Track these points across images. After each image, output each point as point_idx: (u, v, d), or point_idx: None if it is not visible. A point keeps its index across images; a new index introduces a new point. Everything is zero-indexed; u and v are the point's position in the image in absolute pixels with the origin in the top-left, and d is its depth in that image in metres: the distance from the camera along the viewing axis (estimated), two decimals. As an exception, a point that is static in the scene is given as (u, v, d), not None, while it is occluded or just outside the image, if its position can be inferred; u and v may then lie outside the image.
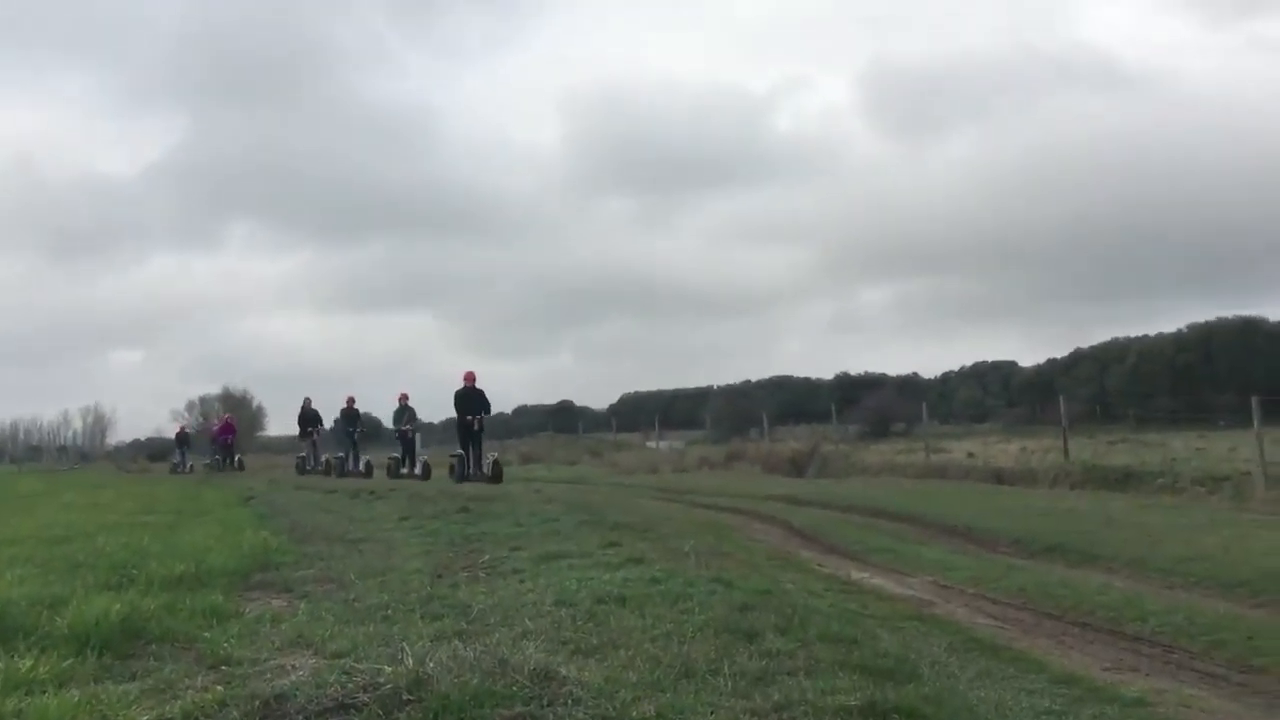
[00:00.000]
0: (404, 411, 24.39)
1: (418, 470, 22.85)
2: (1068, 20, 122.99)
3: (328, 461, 26.66)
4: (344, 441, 26.79)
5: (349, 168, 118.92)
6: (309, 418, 28.31)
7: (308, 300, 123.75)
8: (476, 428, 20.19)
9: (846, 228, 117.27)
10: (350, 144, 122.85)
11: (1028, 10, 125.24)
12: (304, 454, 28.49)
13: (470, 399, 20.43)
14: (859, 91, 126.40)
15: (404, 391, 24.81)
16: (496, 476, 19.40)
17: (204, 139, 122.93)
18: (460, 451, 20.45)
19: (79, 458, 68.96)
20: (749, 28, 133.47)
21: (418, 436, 24.60)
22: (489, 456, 20.27)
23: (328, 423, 28.88)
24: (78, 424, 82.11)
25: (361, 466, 25.55)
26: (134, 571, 6.90)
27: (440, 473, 21.62)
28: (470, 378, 20.58)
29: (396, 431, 24.57)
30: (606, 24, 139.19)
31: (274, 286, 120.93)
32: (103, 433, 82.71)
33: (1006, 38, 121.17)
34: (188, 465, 37.96)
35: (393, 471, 23.60)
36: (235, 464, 33.49)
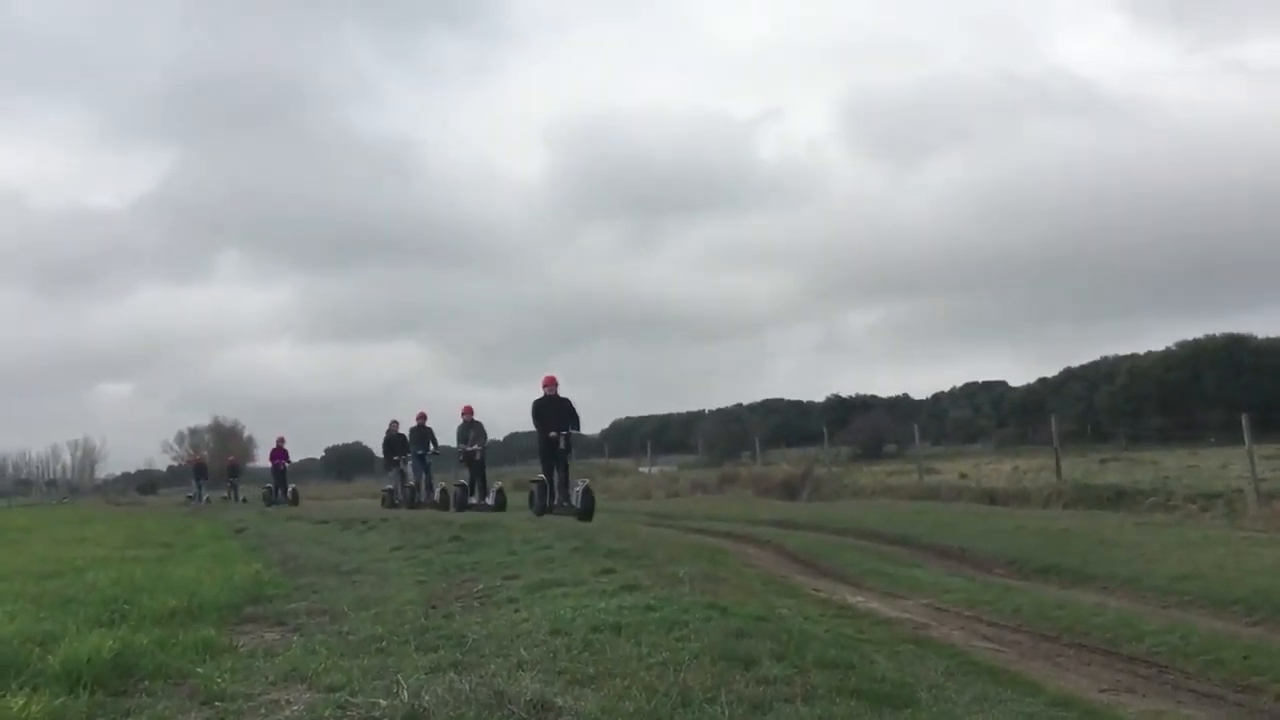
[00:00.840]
0: (470, 428, 20.88)
1: (489, 499, 19.81)
2: (1045, 46, 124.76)
3: (413, 490, 22.91)
4: (415, 467, 23.02)
5: (336, 199, 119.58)
6: (395, 444, 24.17)
7: (296, 330, 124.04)
8: (563, 446, 16.40)
9: (832, 252, 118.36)
10: (337, 175, 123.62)
11: (1004, 37, 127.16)
12: (390, 486, 24.66)
13: (555, 410, 16.50)
14: (841, 118, 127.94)
15: (466, 405, 21.19)
16: (587, 510, 15.62)
17: (192, 172, 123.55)
18: (542, 476, 16.80)
19: (68, 491, 68.69)
20: (732, 58, 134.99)
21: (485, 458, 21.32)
22: (578, 484, 16.32)
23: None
24: (67, 458, 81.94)
25: (436, 495, 22.02)
26: (126, 607, 6.85)
27: (518, 501, 19.62)
28: (550, 383, 16.91)
29: (461, 452, 21.29)
30: (590, 53, 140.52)
31: (262, 317, 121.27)
32: (92, 466, 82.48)
33: (984, 64, 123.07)
34: (204, 498, 35.59)
35: (459, 502, 20.24)
36: (289, 496, 29.31)
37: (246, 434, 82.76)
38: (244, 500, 34.63)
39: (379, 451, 27.28)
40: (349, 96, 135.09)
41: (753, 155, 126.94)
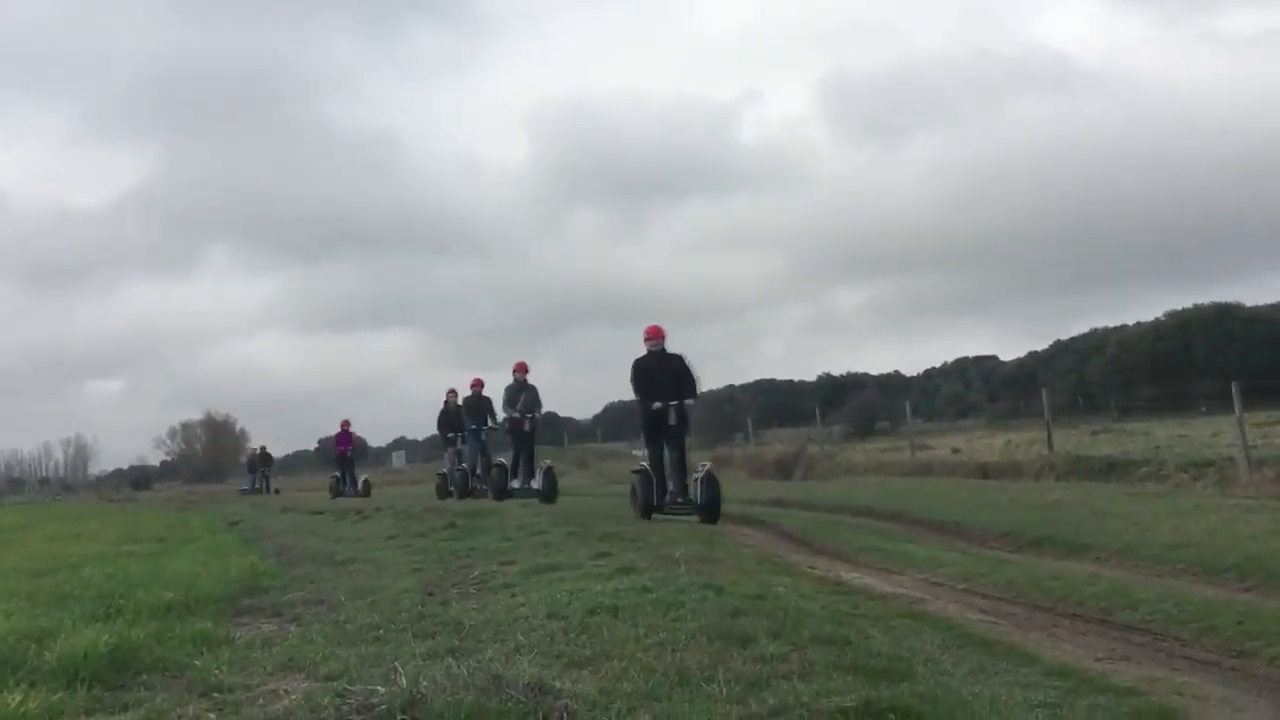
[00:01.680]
0: (521, 390, 17.07)
1: (535, 482, 16.50)
2: (1021, 23, 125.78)
3: (465, 474, 19.25)
4: (470, 446, 19.41)
5: (321, 191, 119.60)
6: (452, 418, 20.29)
7: (286, 323, 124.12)
8: (673, 421, 12.79)
9: (818, 231, 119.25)
10: (320, 168, 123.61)
11: (980, 15, 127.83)
12: (445, 469, 21.15)
13: (662, 371, 12.96)
14: (821, 100, 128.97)
15: (519, 361, 17.53)
16: (711, 506, 12.32)
17: (174, 168, 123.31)
18: (644, 464, 13.23)
19: (61, 489, 68.66)
20: (710, 42, 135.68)
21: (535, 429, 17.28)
22: (699, 468, 12.90)
23: (431, 420, 21.41)
24: (59, 455, 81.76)
25: (538, 482, 17.09)
26: (121, 601, 6.84)
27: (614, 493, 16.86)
28: (655, 334, 13.13)
29: (508, 421, 17.29)
30: (568, 40, 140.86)
31: (251, 311, 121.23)
32: (85, 463, 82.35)
33: (962, 42, 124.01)
34: (272, 488, 33.88)
35: (499, 487, 16.96)
36: (359, 487, 25.51)
37: (239, 427, 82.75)
38: (276, 491, 33.46)
39: (374, 441, 26.65)
40: (330, 89, 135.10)
41: (734, 138, 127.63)
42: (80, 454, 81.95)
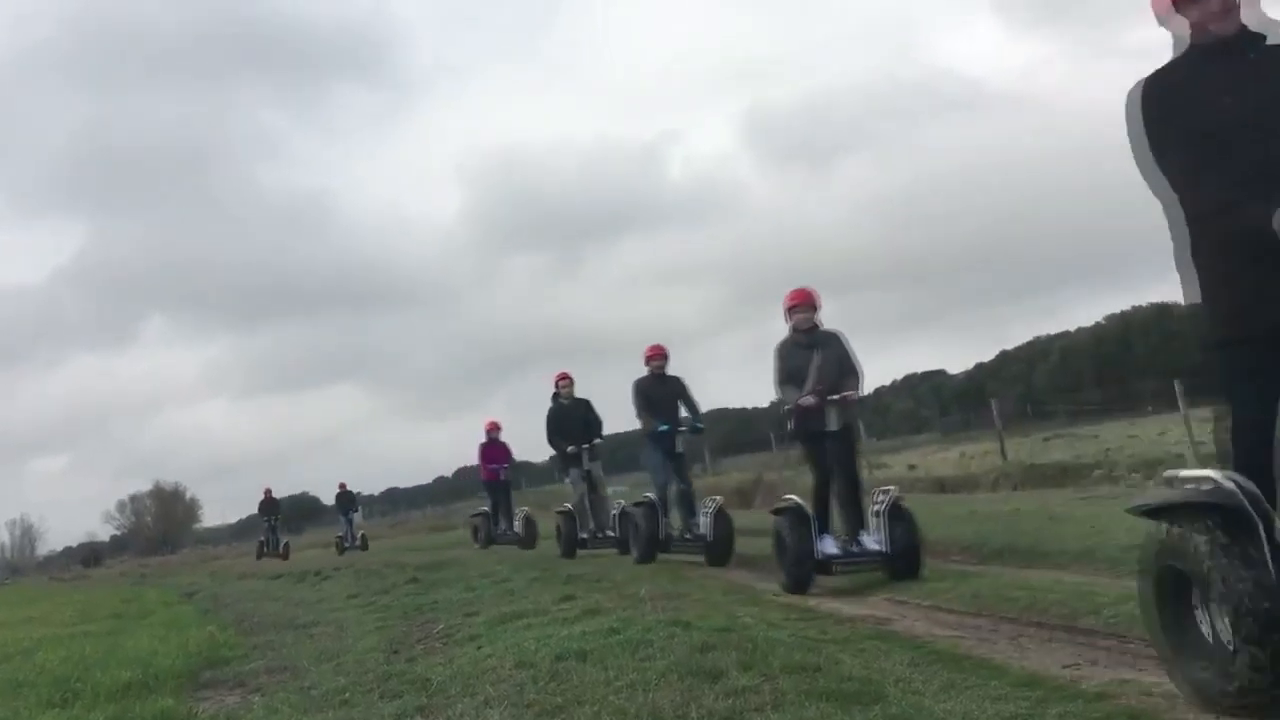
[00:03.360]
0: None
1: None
2: (927, 50, 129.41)
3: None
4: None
5: (255, 255, 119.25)
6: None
7: (229, 388, 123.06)
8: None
9: (753, 260, 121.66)
10: (253, 232, 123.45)
11: (887, 44, 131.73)
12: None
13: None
14: (743, 132, 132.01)
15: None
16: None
17: (106, 240, 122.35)
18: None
19: (10, 572, 66.87)
20: (631, 86, 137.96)
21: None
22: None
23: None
24: (4, 538, 79.82)
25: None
26: (78, 685, 6.66)
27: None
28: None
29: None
30: (493, 94, 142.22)
31: (193, 378, 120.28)
32: (32, 544, 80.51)
33: (874, 70, 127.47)
34: (355, 536, 27.15)
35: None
36: (517, 529, 17.37)
37: (189, 495, 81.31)
38: (284, 545, 29.03)
39: (328, 500, 26.10)
40: (257, 153, 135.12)
41: (663, 175, 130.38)
42: (27, 535, 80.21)
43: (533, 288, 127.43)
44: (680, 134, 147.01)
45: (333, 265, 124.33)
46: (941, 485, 20.53)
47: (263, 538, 29.64)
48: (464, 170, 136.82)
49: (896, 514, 8.65)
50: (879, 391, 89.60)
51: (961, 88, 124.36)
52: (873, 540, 8.65)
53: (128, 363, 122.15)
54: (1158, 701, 4.46)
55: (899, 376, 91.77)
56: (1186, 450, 15.79)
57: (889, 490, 8.95)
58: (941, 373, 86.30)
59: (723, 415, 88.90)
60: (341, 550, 25.71)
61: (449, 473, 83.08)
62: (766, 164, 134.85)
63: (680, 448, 11.77)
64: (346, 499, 28.83)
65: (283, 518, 31.94)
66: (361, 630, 8.32)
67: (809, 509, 8.75)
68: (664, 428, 11.44)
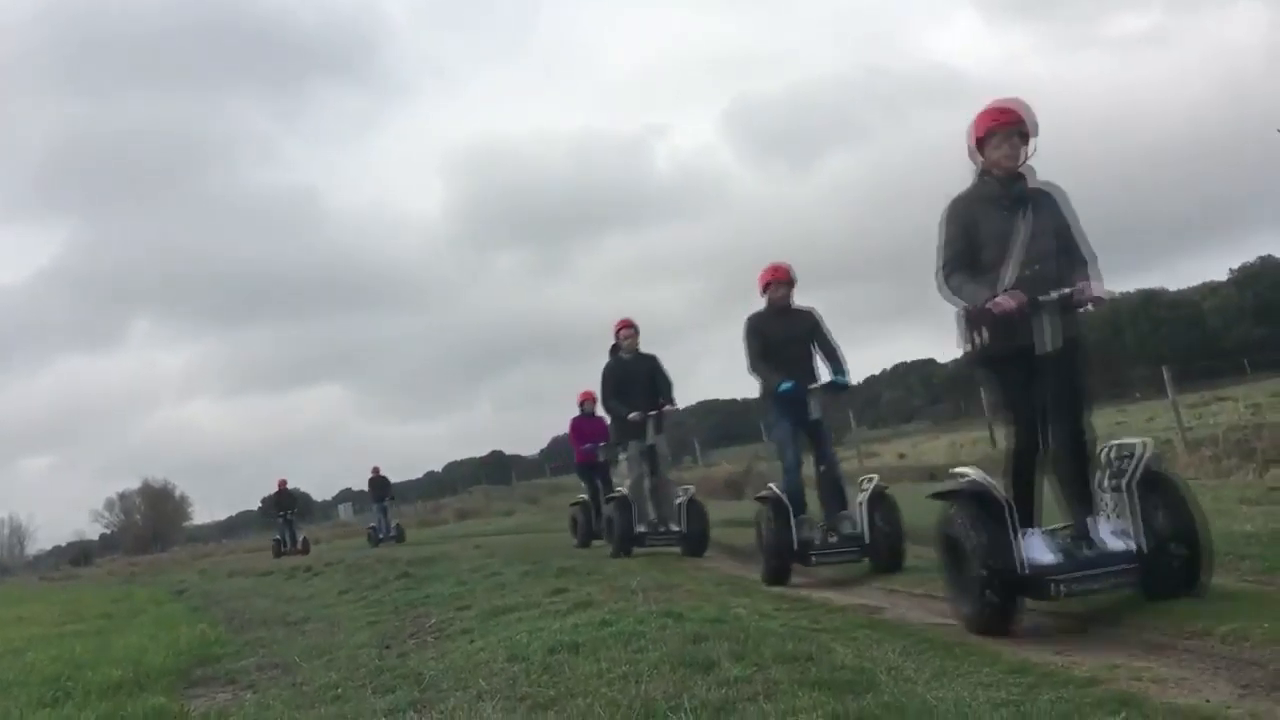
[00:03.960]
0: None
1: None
2: (911, 43, 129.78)
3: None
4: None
5: (241, 254, 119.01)
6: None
7: (216, 386, 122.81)
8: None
9: (739, 252, 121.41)
10: (239, 232, 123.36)
11: (869, 38, 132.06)
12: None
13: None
14: (727, 126, 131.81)
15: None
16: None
17: (91, 241, 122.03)
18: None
19: (-1, 571, 66.62)
20: (616, 82, 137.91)
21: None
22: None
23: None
24: (-8, 538, 79.44)
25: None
26: (69, 684, 6.65)
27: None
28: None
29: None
30: (473, 90, 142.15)
31: (180, 377, 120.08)
32: (21, 544, 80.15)
33: (856, 64, 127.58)
34: (391, 527, 24.88)
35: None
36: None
37: (179, 493, 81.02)
38: (303, 540, 26.27)
39: (319, 495, 24.37)
40: (242, 154, 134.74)
41: (648, 169, 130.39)
42: (15, 535, 79.91)
43: (519, 283, 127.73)
44: (665, 128, 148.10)
45: (318, 264, 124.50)
46: (932, 474, 20.54)
47: (278, 535, 26.77)
48: (449, 167, 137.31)
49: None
50: (869, 380, 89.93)
51: (943, 78, 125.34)
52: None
53: (114, 363, 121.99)
54: (1148, 686, 4.48)
55: (889, 365, 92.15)
56: (1175, 436, 15.86)
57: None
58: (931, 361, 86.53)
59: (714, 406, 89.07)
60: (375, 542, 23.37)
61: (439, 467, 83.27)
62: (749, 157, 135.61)
63: (817, 413, 8.73)
64: (381, 485, 26.35)
65: (300, 510, 29.36)
66: (354, 626, 8.31)
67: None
68: (787, 386, 8.43)
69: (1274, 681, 4.43)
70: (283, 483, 28.00)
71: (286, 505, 27.24)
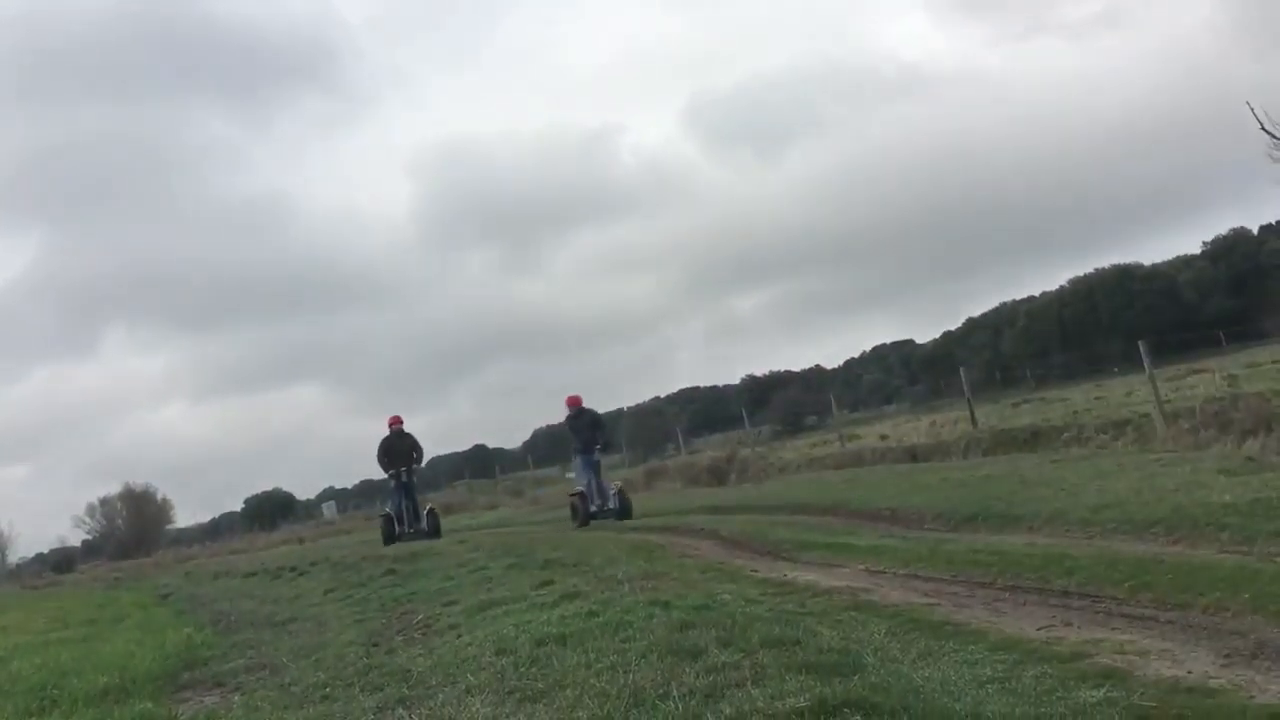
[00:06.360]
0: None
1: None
2: (866, 36, 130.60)
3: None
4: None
5: (212, 259, 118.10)
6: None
7: (193, 390, 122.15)
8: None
9: (709, 243, 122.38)
10: (209, 238, 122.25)
11: (825, 32, 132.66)
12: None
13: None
14: (689, 121, 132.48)
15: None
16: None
17: (62, 250, 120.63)
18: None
19: (-19, 581, 65.99)
20: (577, 80, 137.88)
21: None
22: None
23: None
24: (-28, 549, 78.73)
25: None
26: (55, 692, 6.62)
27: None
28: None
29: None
30: (436, 92, 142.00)
31: (158, 381, 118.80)
32: (2, 552, 79.40)
33: (814, 57, 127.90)
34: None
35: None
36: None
37: (161, 496, 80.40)
38: (429, 513, 18.63)
39: (301, 495, 22.78)
40: (210, 163, 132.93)
41: (613, 166, 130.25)
42: (-4, 544, 79.19)
43: (489, 280, 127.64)
44: (627, 124, 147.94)
45: (289, 267, 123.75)
46: (913, 454, 20.65)
47: (389, 508, 18.88)
48: (416, 168, 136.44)
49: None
50: (849, 363, 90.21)
51: (899, 71, 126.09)
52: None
53: (89, 369, 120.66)
54: (1131, 659, 4.53)
55: (868, 348, 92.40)
56: (1153, 409, 15.97)
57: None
58: (910, 342, 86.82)
59: (694, 394, 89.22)
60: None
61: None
62: (713, 149, 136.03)
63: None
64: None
65: (420, 467, 19.73)
66: (341, 624, 8.29)
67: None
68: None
69: (1255, 650, 4.48)
70: (396, 421, 18.95)
71: (402, 461, 18.51)
